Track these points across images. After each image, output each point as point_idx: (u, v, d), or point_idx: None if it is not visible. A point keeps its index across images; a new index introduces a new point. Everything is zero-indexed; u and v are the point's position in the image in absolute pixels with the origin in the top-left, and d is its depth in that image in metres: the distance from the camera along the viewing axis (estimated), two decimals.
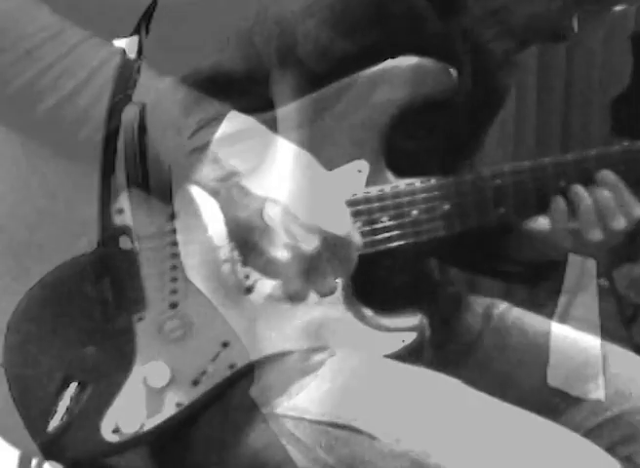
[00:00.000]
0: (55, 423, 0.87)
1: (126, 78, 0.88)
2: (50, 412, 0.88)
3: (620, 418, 1.01)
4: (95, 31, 0.85)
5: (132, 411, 0.90)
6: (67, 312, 0.89)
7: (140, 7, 0.87)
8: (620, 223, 0.94)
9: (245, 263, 0.89)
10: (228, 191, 0.85)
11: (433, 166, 0.97)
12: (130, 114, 0.90)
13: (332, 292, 0.85)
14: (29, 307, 0.89)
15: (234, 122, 0.85)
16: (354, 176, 0.91)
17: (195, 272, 0.91)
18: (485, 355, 1.08)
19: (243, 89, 0.85)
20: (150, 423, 0.90)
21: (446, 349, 1.07)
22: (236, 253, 0.90)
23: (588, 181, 0.96)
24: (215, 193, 0.86)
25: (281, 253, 0.84)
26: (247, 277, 0.91)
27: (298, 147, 0.83)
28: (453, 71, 0.89)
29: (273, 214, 0.81)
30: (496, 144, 1.10)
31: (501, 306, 1.13)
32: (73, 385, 0.88)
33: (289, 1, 0.82)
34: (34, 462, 1.22)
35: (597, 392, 1.00)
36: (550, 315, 1.12)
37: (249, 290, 0.91)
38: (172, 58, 0.89)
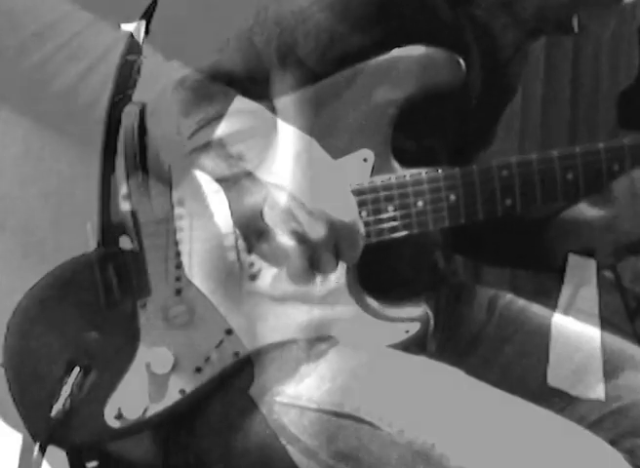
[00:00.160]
0: (58, 408, 0.88)
1: (126, 78, 0.88)
2: (53, 398, 0.88)
3: (624, 411, 1.00)
4: (102, 15, 0.86)
5: (135, 397, 0.90)
6: (70, 310, 0.90)
7: None
8: None
9: (250, 250, 0.89)
10: (235, 177, 0.86)
11: (442, 157, 0.97)
12: (130, 114, 0.90)
13: (337, 280, 0.85)
14: (29, 307, 0.89)
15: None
16: (360, 165, 0.91)
17: (200, 259, 0.91)
18: (489, 346, 1.08)
19: (243, 89, 0.85)
20: (153, 409, 0.91)
21: (450, 340, 1.06)
22: (241, 241, 0.90)
23: (597, 173, 0.96)
24: (221, 180, 0.86)
25: (287, 240, 0.84)
26: (252, 264, 0.91)
27: (304, 134, 0.83)
28: (461, 62, 0.89)
29: (279, 200, 0.81)
30: (502, 136, 1.09)
31: (506, 297, 1.13)
32: (76, 370, 0.88)
33: (289, 1, 0.82)
34: (37, 447, 1.22)
35: (597, 392, 1.00)
36: (554, 306, 1.12)
37: (254, 277, 0.91)
38: (172, 57, 0.89)
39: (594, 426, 0.98)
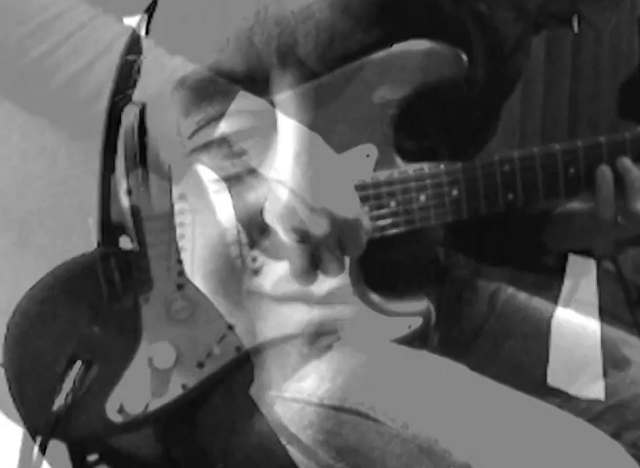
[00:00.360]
0: (59, 402, 0.88)
1: (126, 78, 0.88)
2: (55, 392, 0.88)
3: (627, 404, 1.00)
4: (105, 8, 0.86)
5: (137, 392, 0.90)
6: (71, 300, 0.89)
7: None
8: None
9: (253, 246, 0.89)
10: (237, 176, 0.86)
11: (443, 156, 0.97)
12: (130, 114, 0.90)
13: (340, 274, 0.85)
14: (29, 307, 0.89)
15: (242, 104, 0.86)
16: (362, 161, 0.91)
17: (202, 255, 0.91)
18: (491, 340, 1.09)
19: (243, 89, 0.85)
20: (155, 404, 0.91)
21: (452, 334, 1.07)
22: (244, 236, 0.90)
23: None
24: (223, 178, 0.86)
25: (290, 236, 0.84)
26: (254, 260, 0.91)
27: (306, 129, 0.83)
28: (464, 56, 0.89)
29: (281, 197, 0.81)
30: (502, 130, 1.09)
31: (508, 291, 1.13)
32: (78, 365, 0.88)
33: (289, 1, 0.82)
34: (37, 444, 1.22)
35: (596, 390, 1.00)
36: (555, 298, 1.12)
37: (256, 272, 0.91)
38: (171, 56, 0.89)
39: (597, 419, 0.98)
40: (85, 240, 0.90)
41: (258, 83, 0.85)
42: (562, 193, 0.96)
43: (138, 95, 0.92)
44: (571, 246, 1.06)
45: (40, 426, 0.88)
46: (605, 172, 0.94)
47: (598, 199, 0.95)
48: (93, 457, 0.95)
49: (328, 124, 0.87)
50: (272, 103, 0.85)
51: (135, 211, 0.90)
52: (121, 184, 0.92)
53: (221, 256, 0.91)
